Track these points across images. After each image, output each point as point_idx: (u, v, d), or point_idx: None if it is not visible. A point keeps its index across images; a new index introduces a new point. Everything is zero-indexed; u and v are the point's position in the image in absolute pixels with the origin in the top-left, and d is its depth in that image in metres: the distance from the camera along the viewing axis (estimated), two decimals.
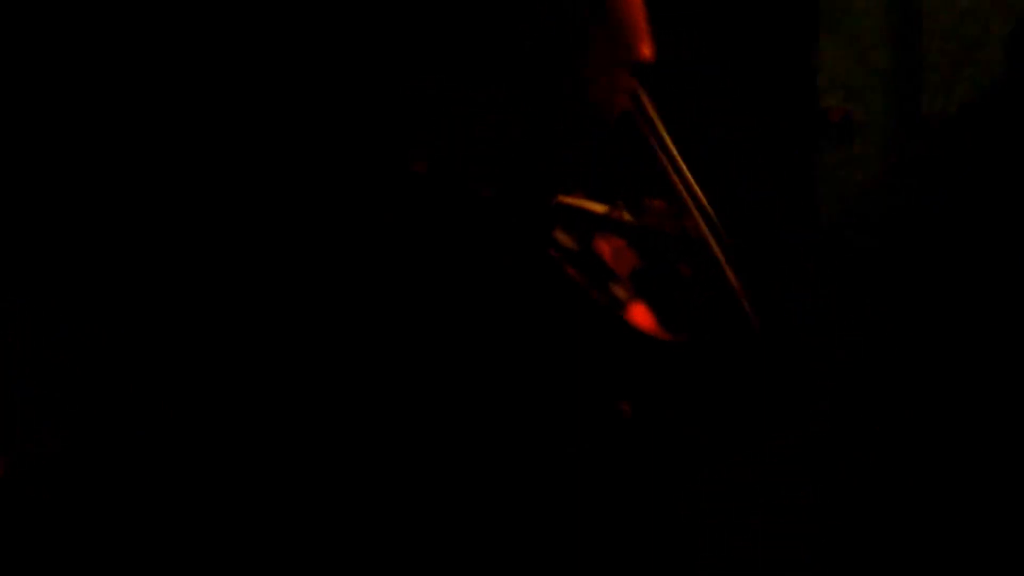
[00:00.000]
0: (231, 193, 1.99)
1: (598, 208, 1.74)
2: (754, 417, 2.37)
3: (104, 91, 2.12)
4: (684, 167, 1.75)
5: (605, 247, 1.71)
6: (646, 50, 1.72)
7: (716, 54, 2.43)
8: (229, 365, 1.64)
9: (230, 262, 1.89)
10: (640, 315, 1.66)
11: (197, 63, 2.07)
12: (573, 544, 1.63)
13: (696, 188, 1.75)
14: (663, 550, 1.70)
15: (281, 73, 1.81)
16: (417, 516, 1.53)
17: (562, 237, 1.68)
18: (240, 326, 1.71)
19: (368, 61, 1.66)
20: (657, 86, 1.76)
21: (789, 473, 2.11)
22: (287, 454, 1.54)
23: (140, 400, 1.78)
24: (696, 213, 1.74)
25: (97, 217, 2.11)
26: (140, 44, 2.11)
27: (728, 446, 2.23)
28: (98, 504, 1.68)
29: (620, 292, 1.67)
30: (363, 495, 1.53)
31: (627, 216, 1.75)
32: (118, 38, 2.11)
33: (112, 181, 2.12)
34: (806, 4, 2.34)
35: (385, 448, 1.53)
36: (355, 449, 1.54)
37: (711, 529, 1.73)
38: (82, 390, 1.91)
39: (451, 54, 1.63)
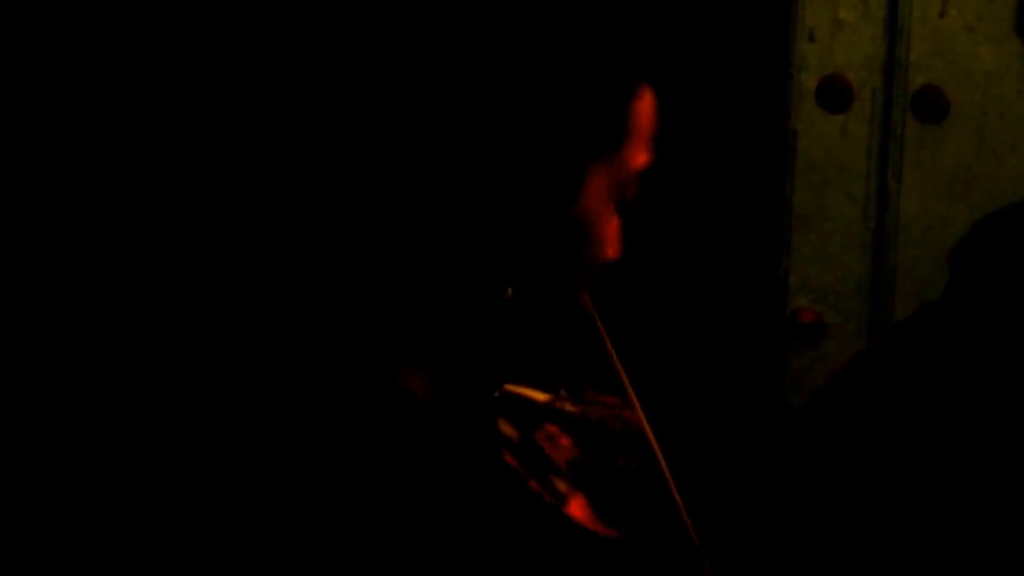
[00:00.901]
0: (231, 193, 1.99)
1: (540, 397, 1.73)
2: (754, 417, 2.37)
3: (104, 91, 2.12)
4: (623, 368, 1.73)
5: (545, 437, 1.69)
6: (612, 251, 1.67)
7: (685, 255, 2.41)
8: (229, 365, 1.64)
9: (229, 262, 1.89)
10: (579, 509, 1.64)
11: (197, 63, 2.08)
12: (572, 544, 1.63)
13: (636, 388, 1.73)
14: (663, 550, 1.71)
15: (280, 73, 1.81)
16: None
17: (504, 427, 1.66)
18: (239, 326, 1.71)
19: (368, 61, 1.66)
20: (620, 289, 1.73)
21: (789, 473, 2.11)
22: (287, 455, 1.54)
23: (140, 400, 1.78)
24: (639, 410, 1.71)
25: (97, 217, 2.11)
26: (140, 43, 2.11)
27: (728, 446, 2.23)
28: (98, 504, 1.68)
29: (559, 484, 1.65)
30: (359, 502, 1.53)
31: (569, 406, 1.73)
32: (117, 37, 2.11)
33: (112, 181, 2.12)
34: (778, 207, 2.32)
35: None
36: (353, 450, 1.54)
37: (711, 529, 1.73)
38: (82, 390, 1.91)
39: (451, 54, 1.63)
